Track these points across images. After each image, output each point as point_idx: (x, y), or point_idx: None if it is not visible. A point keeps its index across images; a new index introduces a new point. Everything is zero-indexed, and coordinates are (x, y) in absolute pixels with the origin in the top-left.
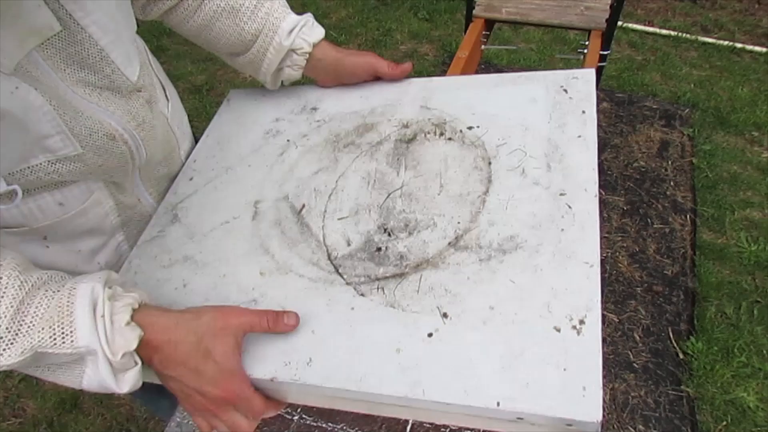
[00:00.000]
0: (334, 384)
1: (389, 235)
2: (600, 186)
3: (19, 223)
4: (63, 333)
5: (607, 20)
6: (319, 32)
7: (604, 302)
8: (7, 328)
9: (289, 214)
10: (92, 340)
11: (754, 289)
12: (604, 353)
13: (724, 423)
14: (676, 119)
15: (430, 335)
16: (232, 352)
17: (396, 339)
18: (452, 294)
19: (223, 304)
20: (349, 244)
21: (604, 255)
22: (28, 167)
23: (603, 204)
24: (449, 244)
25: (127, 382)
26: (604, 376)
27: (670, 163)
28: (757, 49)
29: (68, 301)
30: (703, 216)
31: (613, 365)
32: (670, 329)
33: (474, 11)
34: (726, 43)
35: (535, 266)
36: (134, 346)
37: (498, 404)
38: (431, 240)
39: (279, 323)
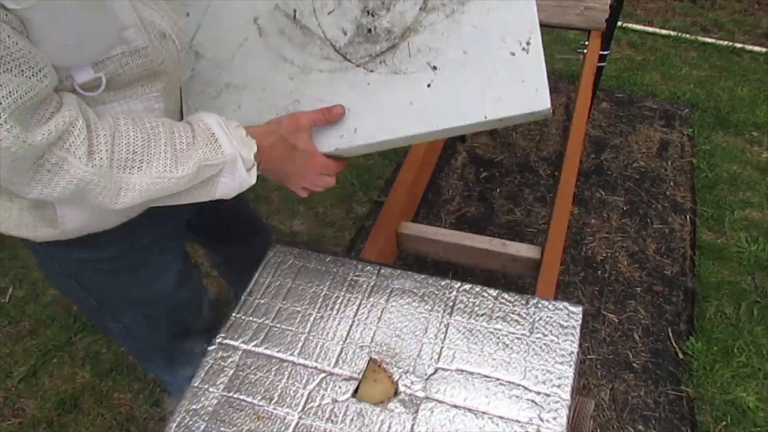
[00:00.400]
0: (376, 139)
1: (372, 15)
2: (599, 186)
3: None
4: (213, 148)
5: (606, 20)
6: None
7: (603, 302)
8: (181, 149)
9: (287, 21)
10: (233, 150)
11: (753, 289)
12: (603, 353)
13: (724, 423)
14: (676, 119)
15: (428, 85)
16: (308, 140)
17: (406, 95)
18: (435, 50)
19: (289, 113)
20: (345, 33)
21: (604, 255)
22: (108, 58)
23: (602, 204)
24: (420, 9)
25: (254, 176)
26: (603, 376)
27: (669, 163)
28: (757, 49)
29: (206, 127)
30: (703, 216)
31: (613, 365)
32: (669, 329)
33: None
34: (726, 43)
35: (488, 8)
36: (255, 150)
37: (485, 117)
38: (406, 9)
39: (332, 114)
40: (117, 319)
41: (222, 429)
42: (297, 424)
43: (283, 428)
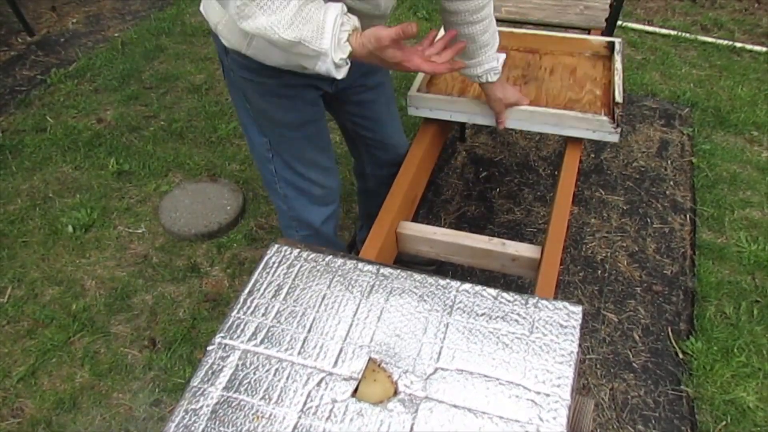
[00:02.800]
0: None
1: None
2: (599, 186)
3: None
4: (317, 36)
5: (606, 19)
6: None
7: (603, 302)
8: (298, 20)
9: None
10: (328, 48)
11: (753, 289)
12: (603, 353)
13: (724, 423)
14: (676, 119)
15: None
16: (395, 53)
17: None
18: None
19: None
20: None
21: (604, 255)
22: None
23: (602, 204)
24: None
25: (343, 73)
26: (603, 376)
27: (669, 162)
28: (757, 48)
29: (324, 17)
30: (703, 215)
31: (613, 365)
32: (669, 329)
33: None
34: (726, 42)
35: None
36: (345, 55)
37: None
38: None
39: (408, 32)
40: (262, 132)
41: (221, 429)
42: (296, 423)
43: (282, 428)
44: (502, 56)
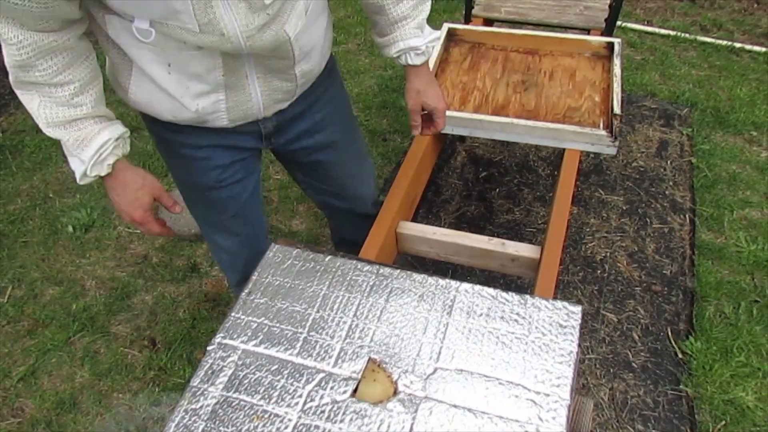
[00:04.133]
0: None
1: None
2: (599, 186)
3: (157, 43)
4: (78, 147)
5: (606, 20)
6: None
7: (603, 302)
8: (60, 125)
9: None
10: (85, 163)
11: (752, 289)
12: (602, 353)
13: (723, 423)
14: (675, 119)
15: None
16: (143, 208)
17: None
18: None
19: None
20: None
21: (603, 254)
22: (165, 24)
23: (602, 204)
24: None
25: (84, 181)
26: (602, 376)
27: (669, 162)
28: (756, 48)
29: (92, 136)
30: (702, 216)
31: (612, 365)
32: (669, 329)
33: (473, 11)
34: (725, 42)
35: None
36: (102, 174)
37: None
38: None
39: (172, 208)
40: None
41: (221, 428)
42: (296, 423)
43: (282, 427)
44: (433, 34)
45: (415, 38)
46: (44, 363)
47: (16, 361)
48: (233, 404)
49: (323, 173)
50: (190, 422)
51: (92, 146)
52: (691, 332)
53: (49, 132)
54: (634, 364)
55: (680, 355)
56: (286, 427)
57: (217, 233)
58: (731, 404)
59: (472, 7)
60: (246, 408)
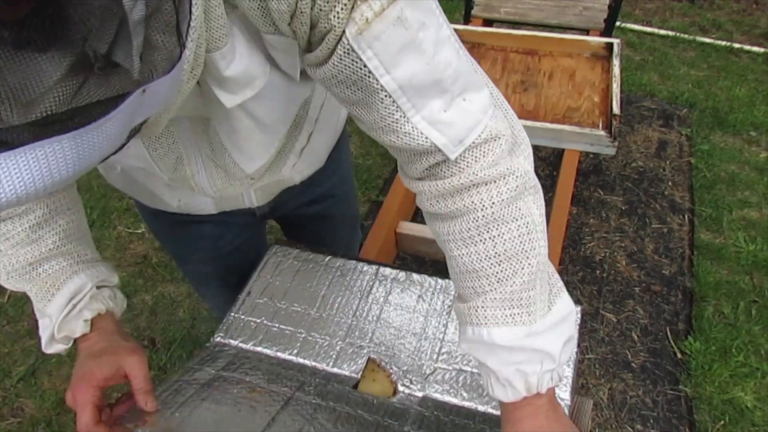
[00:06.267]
0: None
1: None
2: (598, 186)
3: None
4: (44, 297)
5: (605, 20)
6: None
7: (602, 302)
8: (22, 270)
9: None
10: (53, 319)
11: (751, 289)
12: (602, 353)
13: (722, 422)
14: (674, 119)
15: None
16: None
17: None
18: None
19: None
20: None
21: (603, 255)
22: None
23: (601, 204)
24: None
25: (55, 351)
26: (602, 376)
27: (668, 163)
28: (755, 49)
29: (59, 284)
30: (701, 216)
31: (611, 365)
32: (668, 329)
33: (472, 11)
34: (724, 43)
35: None
36: (76, 335)
37: None
38: None
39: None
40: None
41: (214, 393)
42: (291, 396)
43: (279, 399)
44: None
45: (498, 327)
46: (44, 363)
47: (16, 361)
48: (229, 380)
49: (307, 234)
50: (180, 388)
51: (62, 294)
52: (690, 332)
53: (9, 284)
54: (633, 364)
55: (679, 355)
56: (282, 399)
57: (209, 298)
58: (730, 404)
59: (472, 8)
60: (242, 384)
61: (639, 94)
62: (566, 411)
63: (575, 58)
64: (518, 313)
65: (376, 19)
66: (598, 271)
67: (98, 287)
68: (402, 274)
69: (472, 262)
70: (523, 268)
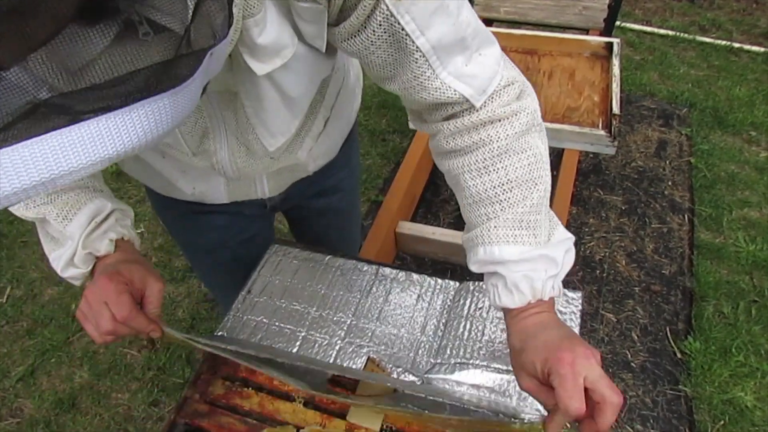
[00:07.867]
0: None
1: None
2: (598, 186)
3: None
4: (64, 219)
5: (605, 20)
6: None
7: (602, 302)
8: (39, 201)
9: None
10: (74, 238)
11: (751, 289)
12: (602, 352)
13: (722, 422)
14: (674, 119)
15: None
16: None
17: None
18: None
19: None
20: None
21: (602, 255)
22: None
23: (601, 204)
24: None
25: (70, 277)
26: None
27: (668, 162)
28: (755, 48)
29: (84, 202)
30: (701, 215)
31: (611, 365)
32: (668, 329)
33: None
34: (724, 42)
35: None
36: (101, 253)
37: None
38: None
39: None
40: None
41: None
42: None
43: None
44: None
45: (508, 245)
46: (43, 363)
47: (15, 361)
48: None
49: (314, 230)
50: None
51: (83, 213)
52: (690, 332)
53: (27, 211)
54: (633, 364)
55: (679, 355)
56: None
57: (215, 289)
58: (730, 404)
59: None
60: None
61: (639, 94)
62: None
63: (575, 58)
64: (526, 234)
65: None
66: (597, 271)
67: (121, 211)
68: (402, 274)
69: (486, 190)
70: (531, 194)
